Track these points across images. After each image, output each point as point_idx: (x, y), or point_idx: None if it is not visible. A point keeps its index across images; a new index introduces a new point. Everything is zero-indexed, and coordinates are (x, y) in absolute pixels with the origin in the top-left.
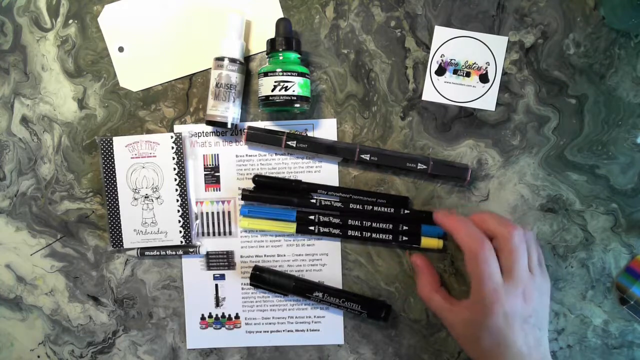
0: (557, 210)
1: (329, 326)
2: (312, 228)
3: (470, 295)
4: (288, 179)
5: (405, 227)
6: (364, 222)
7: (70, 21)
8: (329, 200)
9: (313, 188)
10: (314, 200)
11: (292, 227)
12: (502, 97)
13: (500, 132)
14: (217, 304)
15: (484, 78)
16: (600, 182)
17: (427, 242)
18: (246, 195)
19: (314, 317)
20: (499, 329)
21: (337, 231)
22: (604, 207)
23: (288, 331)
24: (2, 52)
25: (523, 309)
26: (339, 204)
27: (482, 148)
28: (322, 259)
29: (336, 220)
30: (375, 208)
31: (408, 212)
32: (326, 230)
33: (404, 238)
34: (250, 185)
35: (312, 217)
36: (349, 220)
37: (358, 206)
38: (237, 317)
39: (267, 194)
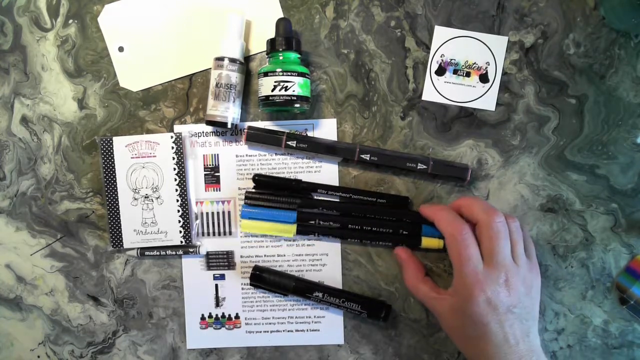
0: (557, 210)
1: (329, 326)
2: (311, 235)
3: (453, 282)
4: (288, 179)
5: (405, 232)
6: (364, 226)
7: (70, 21)
8: (330, 205)
9: (313, 188)
10: (315, 210)
11: (292, 230)
12: (502, 97)
13: (500, 132)
14: (217, 304)
15: (484, 78)
16: (600, 182)
17: (427, 242)
18: (249, 197)
19: (314, 317)
20: (480, 316)
21: (337, 235)
22: (604, 207)
23: (288, 331)
24: (2, 52)
25: (506, 297)
26: (338, 212)
27: (482, 148)
28: (322, 259)
29: (336, 225)
30: (376, 215)
31: (408, 212)
32: (326, 238)
33: (405, 239)
34: (250, 185)
35: (312, 221)
36: (349, 225)
37: (359, 214)
38: (237, 317)
39: (267, 193)
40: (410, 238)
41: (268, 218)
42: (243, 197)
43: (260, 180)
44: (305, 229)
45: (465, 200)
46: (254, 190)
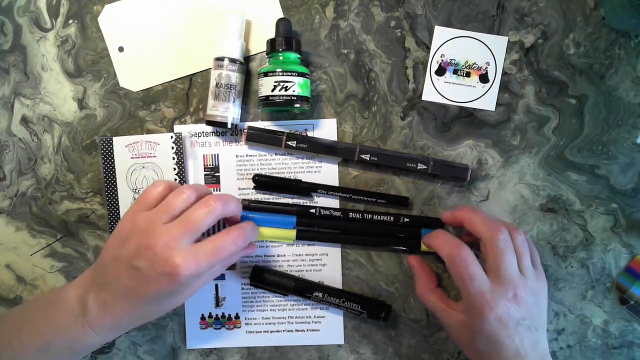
0: (557, 210)
1: (329, 326)
2: (311, 239)
3: (462, 299)
4: (288, 179)
5: (404, 237)
6: (364, 233)
7: (70, 21)
8: (328, 211)
9: (313, 188)
10: (313, 211)
11: (292, 236)
12: (502, 97)
13: (500, 132)
14: (217, 304)
15: (484, 78)
16: (600, 182)
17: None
18: (246, 206)
19: (314, 317)
20: (492, 332)
21: (337, 241)
22: (604, 207)
23: (288, 331)
24: (2, 52)
25: (516, 311)
26: (338, 214)
27: (482, 148)
28: (322, 259)
29: (336, 231)
30: (375, 216)
31: (407, 220)
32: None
33: (405, 244)
34: (250, 185)
35: (312, 227)
36: (349, 231)
37: (358, 215)
38: (237, 317)
39: (267, 194)
40: (410, 243)
41: (268, 223)
42: (243, 197)
43: (260, 180)
44: (305, 235)
45: (467, 213)
46: (250, 200)
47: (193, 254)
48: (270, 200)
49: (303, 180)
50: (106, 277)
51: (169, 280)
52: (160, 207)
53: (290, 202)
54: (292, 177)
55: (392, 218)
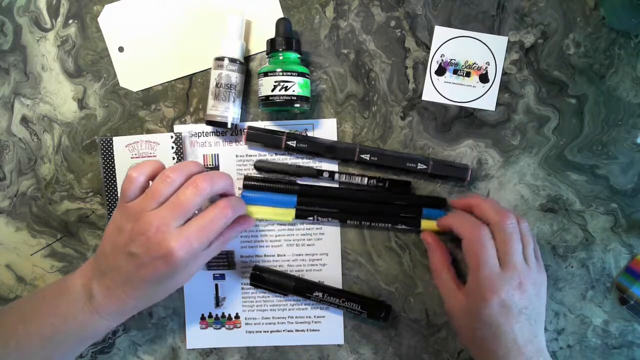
0: (557, 210)
1: (329, 326)
2: (310, 219)
3: (468, 282)
4: (289, 164)
5: (405, 214)
6: (364, 209)
7: (70, 21)
8: (329, 192)
9: (313, 173)
10: (315, 192)
11: (290, 213)
12: (502, 97)
13: (500, 132)
14: (217, 304)
15: (484, 78)
16: (600, 182)
17: (426, 224)
18: (247, 185)
19: (314, 317)
20: (493, 318)
21: (336, 218)
22: (604, 207)
23: (288, 331)
24: (2, 52)
25: (519, 299)
26: (338, 197)
27: (482, 148)
28: (322, 259)
29: (335, 210)
30: (377, 199)
31: (409, 196)
32: (325, 220)
33: (405, 220)
34: None
35: (312, 205)
36: (348, 208)
37: (359, 199)
38: (237, 317)
39: (266, 179)
40: (410, 220)
41: (268, 203)
42: (243, 193)
43: (261, 167)
44: (304, 213)
45: (476, 200)
46: (251, 177)
47: (184, 235)
48: (271, 180)
49: (302, 174)
50: (107, 264)
51: (165, 263)
52: (147, 194)
53: (291, 187)
54: (291, 178)
55: (394, 200)
